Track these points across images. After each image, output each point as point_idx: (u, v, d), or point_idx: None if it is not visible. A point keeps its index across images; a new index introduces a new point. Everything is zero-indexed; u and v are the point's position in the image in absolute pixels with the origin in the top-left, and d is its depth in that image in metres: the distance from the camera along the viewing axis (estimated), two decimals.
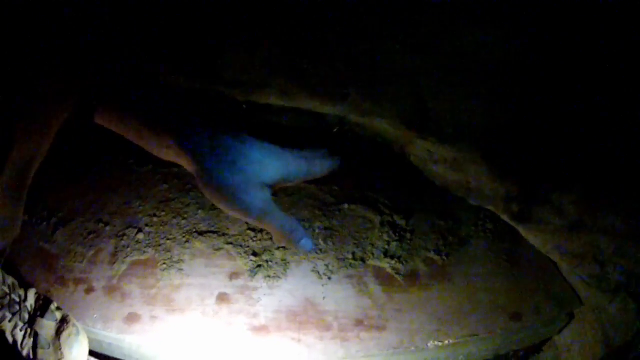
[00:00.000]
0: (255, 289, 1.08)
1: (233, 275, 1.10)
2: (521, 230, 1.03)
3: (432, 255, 1.13)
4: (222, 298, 1.07)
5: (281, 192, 1.19)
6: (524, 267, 1.12)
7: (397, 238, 1.13)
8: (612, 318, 1.04)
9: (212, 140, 0.55)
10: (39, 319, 0.99)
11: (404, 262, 1.11)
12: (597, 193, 0.95)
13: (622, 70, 0.82)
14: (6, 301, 0.97)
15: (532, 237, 1.04)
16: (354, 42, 0.86)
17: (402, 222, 1.15)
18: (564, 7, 0.78)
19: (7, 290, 0.98)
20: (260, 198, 0.55)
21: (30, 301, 1.02)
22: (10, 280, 1.01)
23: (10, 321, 0.96)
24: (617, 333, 1.03)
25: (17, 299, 0.99)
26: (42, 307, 1.02)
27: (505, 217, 1.03)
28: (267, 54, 0.84)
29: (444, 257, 1.13)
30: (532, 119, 0.92)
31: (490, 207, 1.04)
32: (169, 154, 0.56)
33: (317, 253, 1.12)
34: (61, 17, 0.46)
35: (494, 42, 0.85)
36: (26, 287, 1.05)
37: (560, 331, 1.12)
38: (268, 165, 0.58)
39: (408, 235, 1.14)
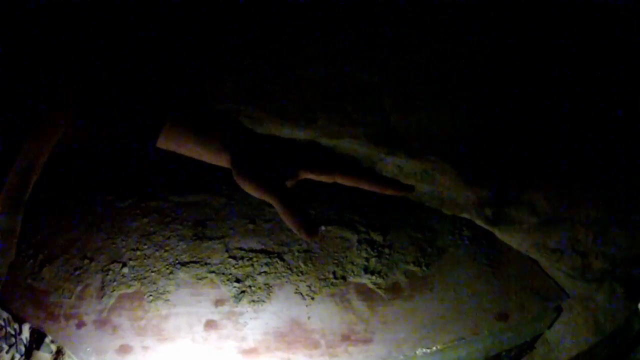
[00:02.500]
0: (241, 313, 1.10)
1: (218, 302, 1.11)
2: (497, 232, 1.03)
3: (411, 267, 1.14)
4: (210, 324, 1.08)
5: (259, 219, 1.20)
6: (506, 268, 1.13)
7: (375, 254, 1.14)
8: (601, 306, 1.05)
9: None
10: (35, 352, 1.01)
11: (385, 276, 1.12)
12: (569, 187, 0.95)
13: (584, 69, 0.82)
14: (2, 334, 0.98)
15: (508, 238, 1.04)
16: (321, 65, 0.87)
17: (379, 238, 1.16)
18: (518, 19, 0.78)
19: (2, 323, 0.99)
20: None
21: (25, 334, 1.04)
22: (4, 314, 1.03)
23: (7, 352, 0.98)
24: (608, 319, 1.04)
25: (13, 332, 1.01)
26: (37, 340, 1.04)
27: (480, 222, 1.03)
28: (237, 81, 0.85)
29: (424, 268, 1.13)
30: (496, 124, 0.92)
31: (465, 215, 1.04)
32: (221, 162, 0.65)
33: (299, 275, 1.13)
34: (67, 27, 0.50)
35: (451, 53, 0.85)
36: (20, 322, 1.06)
37: (550, 326, 1.13)
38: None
39: (386, 251, 1.15)
